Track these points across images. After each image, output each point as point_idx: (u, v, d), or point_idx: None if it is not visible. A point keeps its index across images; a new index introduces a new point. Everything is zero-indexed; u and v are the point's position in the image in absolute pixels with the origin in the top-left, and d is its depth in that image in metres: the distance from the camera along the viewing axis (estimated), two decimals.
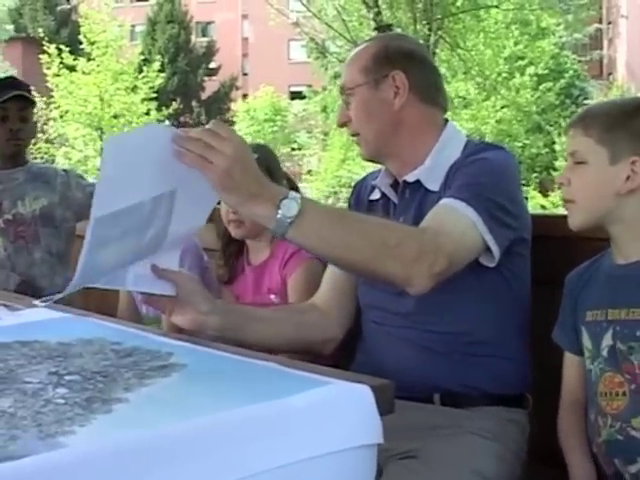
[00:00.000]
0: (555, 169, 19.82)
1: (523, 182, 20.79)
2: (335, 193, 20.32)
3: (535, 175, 21.13)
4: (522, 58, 21.35)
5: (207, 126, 1.13)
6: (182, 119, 24.70)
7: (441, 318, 1.44)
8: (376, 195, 1.60)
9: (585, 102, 22.11)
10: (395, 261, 1.23)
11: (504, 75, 20.53)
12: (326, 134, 23.27)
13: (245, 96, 27.68)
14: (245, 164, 1.12)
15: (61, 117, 18.50)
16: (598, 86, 23.79)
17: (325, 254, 1.26)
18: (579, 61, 24.41)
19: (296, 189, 2.15)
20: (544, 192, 19.78)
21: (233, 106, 27.23)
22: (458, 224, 1.33)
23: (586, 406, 1.41)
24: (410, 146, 1.51)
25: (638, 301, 1.32)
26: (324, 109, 23.68)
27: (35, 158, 16.19)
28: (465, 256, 1.33)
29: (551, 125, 20.82)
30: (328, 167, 21.56)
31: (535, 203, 19.40)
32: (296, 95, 27.46)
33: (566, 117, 20.61)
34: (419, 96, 1.50)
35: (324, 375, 1.00)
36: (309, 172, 22.85)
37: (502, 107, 20.89)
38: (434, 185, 1.48)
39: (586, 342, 1.40)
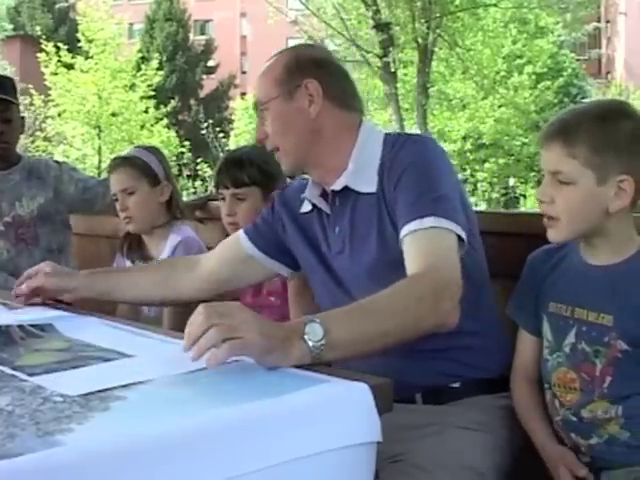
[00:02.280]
0: None
1: (522, 180, 20.81)
2: None
3: (533, 174, 21.11)
4: (520, 57, 21.33)
5: (199, 312, 1.04)
6: (180, 117, 24.67)
7: None
8: (307, 207, 1.59)
9: (583, 100, 22.11)
10: (424, 318, 1.22)
11: (502, 74, 20.50)
12: None
13: (244, 94, 27.60)
14: (257, 317, 1.06)
15: (59, 115, 18.45)
16: (596, 85, 23.79)
17: (365, 352, 1.20)
18: (577, 60, 24.39)
19: None
20: None
21: (231, 104, 27.20)
22: (442, 241, 1.33)
23: (541, 383, 1.46)
24: (330, 153, 1.50)
25: (610, 308, 1.34)
26: None
27: (33, 156, 16.15)
28: (458, 262, 1.32)
29: None
30: None
31: (534, 202, 19.40)
32: None
33: None
34: (334, 102, 1.50)
35: (322, 373, 1.00)
36: None
37: (500, 106, 20.86)
38: (367, 187, 1.46)
39: (546, 332, 1.43)
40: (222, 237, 2.13)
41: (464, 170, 21.22)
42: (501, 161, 21.20)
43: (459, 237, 1.35)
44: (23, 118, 2.76)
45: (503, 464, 1.43)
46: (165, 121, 19.91)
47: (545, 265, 1.46)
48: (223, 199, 2.11)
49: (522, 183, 20.92)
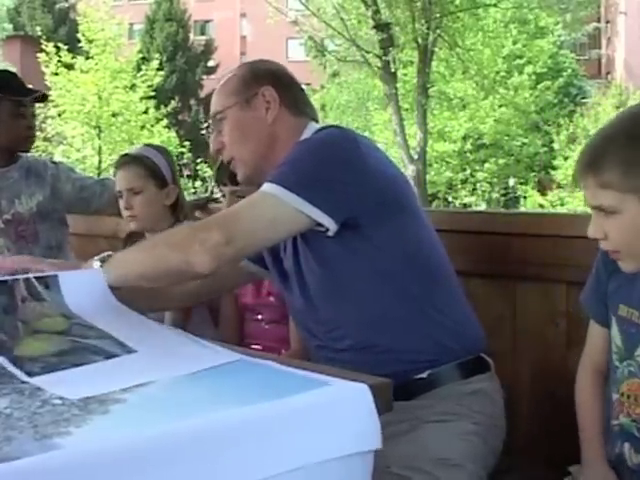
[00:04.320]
0: (554, 168, 19.82)
1: (522, 181, 20.79)
2: None
3: (533, 174, 21.12)
4: (520, 57, 21.34)
5: None
6: (180, 117, 24.68)
7: (353, 329, 1.45)
8: None
9: (583, 101, 22.12)
10: (174, 251, 1.30)
11: (502, 74, 20.50)
12: None
13: None
14: None
15: (59, 115, 18.44)
16: (596, 85, 23.79)
17: (139, 281, 1.33)
18: (577, 60, 24.41)
19: None
20: (542, 191, 19.78)
21: None
22: (263, 207, 1.33)
23: (606, 376, 1.39)
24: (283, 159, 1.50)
25: None
26: (322, 107, 23.66)
27: (32, 156, 16.13)
28: (262, 231, 1.33)
29: (549, 124, 20.82)
30: None
31: (533, 202, 19.40)
32: None
33: (564, 116, 20.62)
34: (289, 109, 1.53)
35: (322, 374, 0.99)
36: None
37: (500, 106, 20.87)
38: None
39: (615, 336, 1.35)
40: None
41: (464, 170, 21.24)
42: (501, 161, 21.21)
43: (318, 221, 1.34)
44: None
45: (482, 448, 1.41)
46: (165, 121, 19.90)
47: (615, 262, 1.36)
48: (224, 196, 2.11)
49: (522, 183, 20.93)
